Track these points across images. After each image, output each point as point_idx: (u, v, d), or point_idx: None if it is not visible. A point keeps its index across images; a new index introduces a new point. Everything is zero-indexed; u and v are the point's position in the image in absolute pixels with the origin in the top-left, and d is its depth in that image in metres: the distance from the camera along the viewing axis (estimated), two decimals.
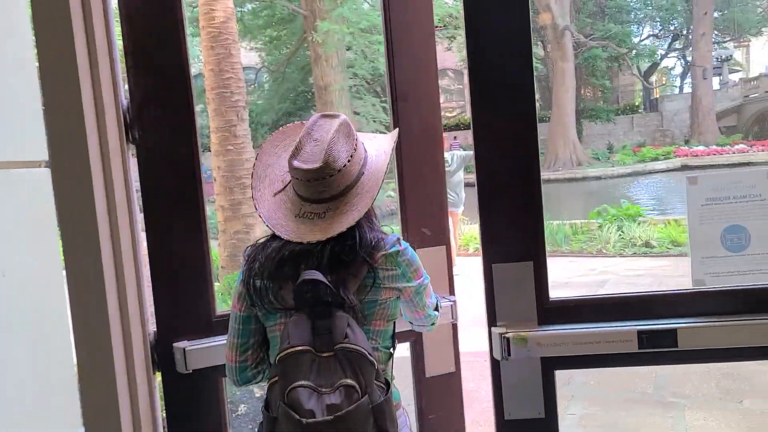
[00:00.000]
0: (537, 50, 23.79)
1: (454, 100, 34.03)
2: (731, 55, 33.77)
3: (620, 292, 1.62)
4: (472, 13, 1.57)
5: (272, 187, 1.39)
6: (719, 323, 1.51)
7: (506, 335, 1.60)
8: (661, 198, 16.90)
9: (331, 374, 1.18)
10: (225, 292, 4.62)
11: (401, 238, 1.44)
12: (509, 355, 1.59)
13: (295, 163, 1.29)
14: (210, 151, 5.35)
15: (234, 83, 5.17)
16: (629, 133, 29.83)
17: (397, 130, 1.55)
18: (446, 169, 8.09)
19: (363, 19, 16.78)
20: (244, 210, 5.18)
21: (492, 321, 1.66)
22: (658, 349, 1.53)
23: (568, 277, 6.98)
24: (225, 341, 1.45)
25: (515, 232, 1.63)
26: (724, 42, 32.94)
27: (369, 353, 1.21)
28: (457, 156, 8.31)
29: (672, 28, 32.11)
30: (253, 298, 1.34)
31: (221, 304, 4.36)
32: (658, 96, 34.09)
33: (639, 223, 8.55)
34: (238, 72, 5.22)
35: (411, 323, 1.57)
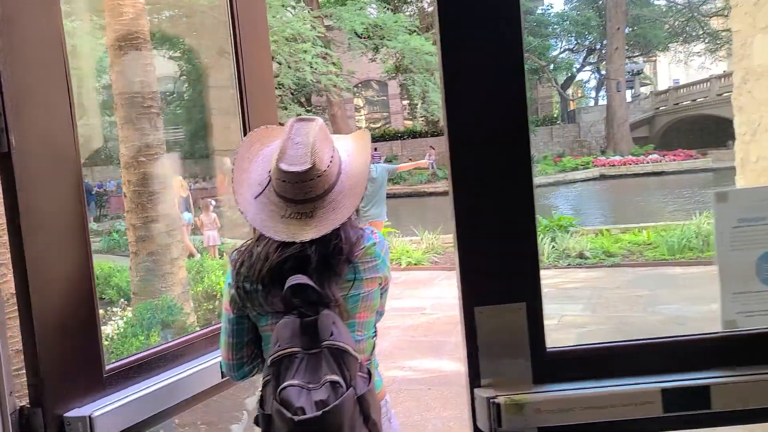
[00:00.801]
0: None
1: (378, 111, 33.95)
2: (642, 70, 35.43)
3: (634, 339, 1.30)
4: (447, 3, 1.22)
5: (251, 191, 1.42)
6: (761, 376, 1.21)
7: (495, 400, 1.24)
8: (587, 207, 17.25)
9: (318, 371, 1.25)
10: (137, 324, 4.06)
11: (373, 229, 1.51)
12: (500, 425, 1.23)
13: (283, 166, 1.34)
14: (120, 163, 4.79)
15: (146, 87, 4.63)
16: (549, 143, 30.67)
17: (366, 131, 1.58)
18: (372, 177, 7.85)
19: (287, 27, 16.34)
20: (159, 228, 4.64)
21: (475, 379, 1.30)
22: (687, 412, 1.21)
23: None
24: (120, 401, 1.43)
25: (503, 266, 1.28)
26: (635, 57, 34.49)
27: (352, 348, 1.28)
28: (381, 168, 8.25)
29: (586, 43, 33.35)
30: (243, 301, 1.40)
31: (131, 341, 3.76)
32: (575, 108, 35.30)
33: (571, 234, 8.50)
34: (150, 75, 4.69)
35: None
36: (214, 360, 1.71)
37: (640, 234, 8.60)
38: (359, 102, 32.99)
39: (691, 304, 5.75)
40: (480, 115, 1.25)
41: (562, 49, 32.94)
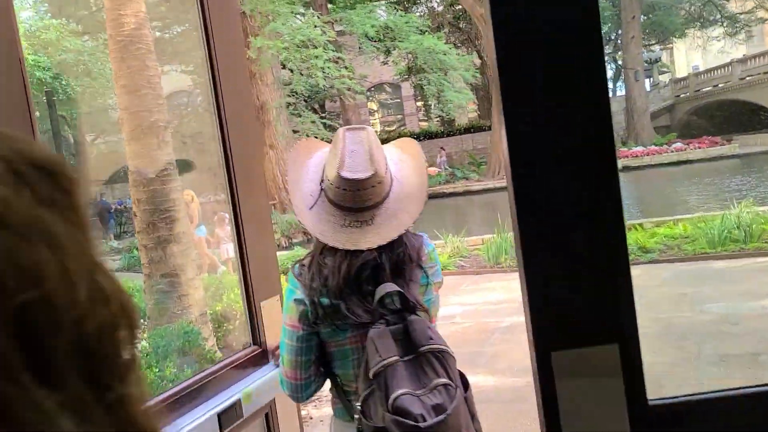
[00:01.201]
0: (474, 59, 23.68)
1: (392, 114, 33.66)
2: (659, 57, 34.77)
3: (761, 384, 1.01)
4: None
5: (305, 202, 1.42)
6: None
7: None
8: None
9: (420, 376, 1.27)
10: (151, 353, 3.80)
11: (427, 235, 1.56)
12: None
13: (345, 174, 1.34)
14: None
15: (152, 100, 4.39)
16: None
17: (412, 139, 1.59)
18: None
19: (298, 34, 16.14)
20: (173, 249, 4.39)
21: None
22: None
23: None
24: None
25: (586, 297, 0.99)
26: (651, 45, 33.83)
27: (450, 349, 1.32)
28: None
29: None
30: (318, 316, 1.37)
31: (145, 374, 3.53)
32: None
33: None
34: (156, 86, 4.45)
35: None
36: (213, 410, 1.49)
37: (676, 227, 8.21)
38: (373, 106, 32.77)
39: (741, 300, 5.38)
40: (549, 102, 0.97)
41: None
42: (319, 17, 17.47)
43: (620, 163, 24.09)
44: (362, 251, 1.34)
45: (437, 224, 12.55)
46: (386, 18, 20.93)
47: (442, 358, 1.28)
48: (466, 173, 25.05)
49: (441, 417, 1.20)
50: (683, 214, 9.13)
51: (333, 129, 25.83)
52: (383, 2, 22.92)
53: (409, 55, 22.92)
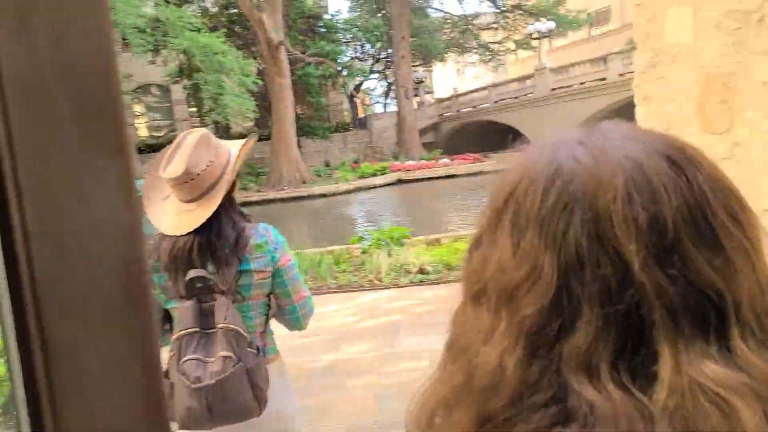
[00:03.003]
0: (253, 65, 22.67)
1: (161, 118, 30.99)
2: (424, 78, 37.10)
3: None
4: None
5: (162, 196, 1.78)
6: None
7: None
8: (397, 214, 17.03)
9: (213, 348, 1.66)
10: None
11: (268, 226, 1.87)
12: None
13: (162, 172, 1.70)
14: None
15: None
16: (344, 150, 30.59)
17: (252, 137, 2.03)
18: None
19: None
20: None
21: None
22: None
23: (352, 322, 5.82)
24: None
25: None
26: (416, 66, 35.96)
27: (242, 329, 1.70)
28: None
29: (372, 50, 33.98)
30: (155, 287, 1.76)
31: None
32: (365, 114, 35.84)
33: (405, 246, 7.82)
34: None
35: (285, 317, 1.94)
36: None
37: None
38: (139, 108, 29.87)
39: None
40: None
41: (351, 56, 33.11)
42: None
43: (395, 176, 24.94)
44: (183, 236, 1.70)
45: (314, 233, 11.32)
46: (156, 11, 18.98)
47: (230, 335, 1.64)
48: (244, 183, 23.87)
49: (212, 381, 1.59)
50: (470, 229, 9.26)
51: None
52: None
53: (182, 56, 21.14)
